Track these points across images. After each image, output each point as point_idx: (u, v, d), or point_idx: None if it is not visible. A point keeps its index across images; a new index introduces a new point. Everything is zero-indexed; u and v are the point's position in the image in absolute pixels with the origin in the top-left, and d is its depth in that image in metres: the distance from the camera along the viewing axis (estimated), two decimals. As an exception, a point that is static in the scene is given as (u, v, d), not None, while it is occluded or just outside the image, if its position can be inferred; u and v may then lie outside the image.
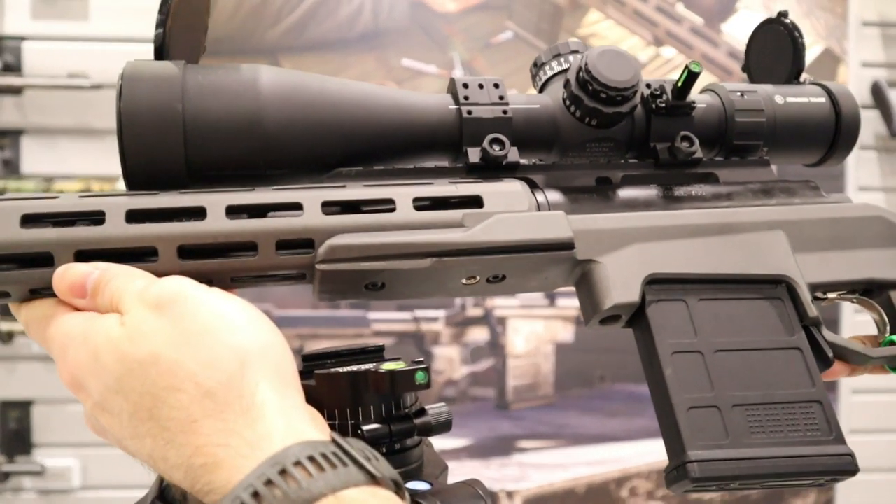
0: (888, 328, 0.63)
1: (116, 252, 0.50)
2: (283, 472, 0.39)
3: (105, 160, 1.87)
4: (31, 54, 1.85)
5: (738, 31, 2.04)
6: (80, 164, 1.87)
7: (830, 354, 0.59)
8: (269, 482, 0.38)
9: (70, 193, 0.51)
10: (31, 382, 1.87)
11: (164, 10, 0.53)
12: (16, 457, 1.85)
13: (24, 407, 1.86)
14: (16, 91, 1.82)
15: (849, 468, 0.53)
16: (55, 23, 1.86)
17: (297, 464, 0.39)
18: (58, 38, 1.86)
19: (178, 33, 0.54)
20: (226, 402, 0.42)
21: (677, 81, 0.61)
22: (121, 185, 1.85)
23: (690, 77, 0.60)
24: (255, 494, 0.38)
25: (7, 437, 1.85)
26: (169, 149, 0.52)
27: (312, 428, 0.43)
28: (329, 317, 1.93)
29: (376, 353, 0.58)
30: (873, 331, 0.66)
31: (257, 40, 1.90)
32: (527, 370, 2.01)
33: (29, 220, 0.50)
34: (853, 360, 0.61)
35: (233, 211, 0.51)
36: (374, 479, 0.40)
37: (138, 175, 0.53)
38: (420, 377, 0.50)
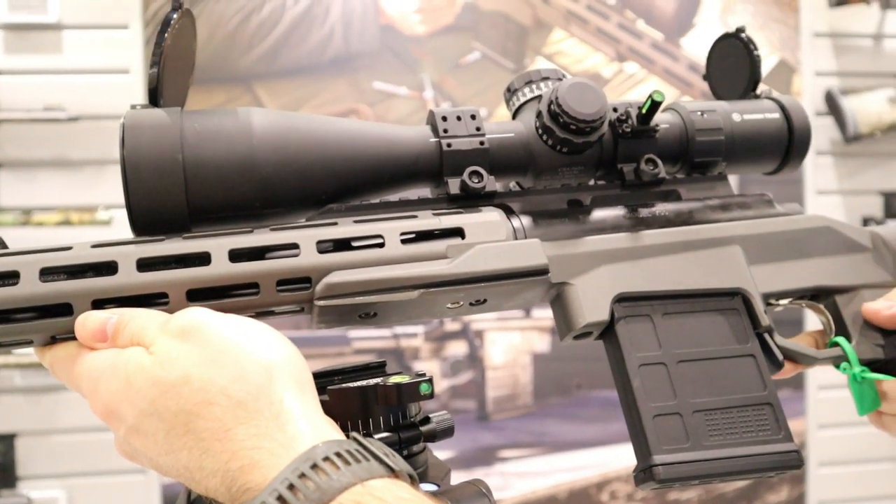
0: (833, 330, 0.68)
1: (130, 298, 0.53)
2: (314, 467, 0.43)
3: (83, 191, 1.89)
4: (7, 88, 1.87)
5: (696, 45, 2.12)
6: (59, 195, 1.89)
7: (781, 358, 0.64)
8: (302, 475, 0.43)
9: (81, 244, 0.54)
10: (13, 415, 1.87)
11: (157, 51, 0.56)
12: (1, 491, 1.85)
13: (7, 440, 1.86)
14: (-9, 125, 1.84)
15: (794, 463, 0.59)
16: (29, 56, 1.89)
17: (326, 459, 0.43)
18: (32, 72, 1.89)
19: (170, 74, 0.57)
20: (256, 409, 0.46)
21: (641, 108, 0.65)
22: (100, 215, 1.85)
23: (653, 106, 0.64)
24: (291, 487, 0.43)
25: (-8, 470, 1.85)
26: (171, 196, 0.55)
27: (333, 430, 0.47)
28: (310, 337, 1.95)
29: (379, 369, 0.62)
30: None
31: (231, 67, 1.93)
32: (505, 381, 2.05)
33: (47, 273, 0.53)
34: (802, 361, 0.67)
35: (235, 254, 0.55)
36: (393, 472, 0.45)
37: (143, 219, 0.56)
38: (424, 388, 0.55)
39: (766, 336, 0.64)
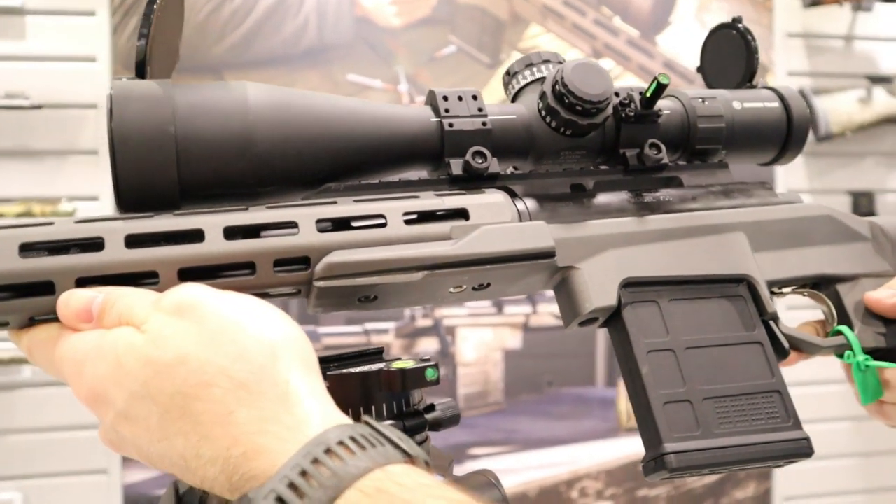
0: (835, 319, 0.68)
1: (117, 276, 0.50)
2: (328, 452, 0.40)
3: (46, 182, 1.83)
4: (-33, 74, 1.80)
5: (671, 43, 2.13)
6: (20, 186, 1.82)
7: (787, 346, 0.64)
8: (315, 461, 0.39)
9: (65, 219, 0.51)
10: (-32, 414, 1.82)
11: (146, 23, 0.53)
12: (-44, 490, 1.79)
13: (-38, 439, 1.81)
14: (-50, 112, 1.78)
15: (805, 451, 0.59)
16: (-9, 41, 1.83)
17: (341, 443, 0.40)
18: (-6, 58, 1.83)
19: (158, 49, 0.55)
20: (260, 391, 0.43)
21: (646, 91, 0.64)
22: (63, 207, 1.79)
23: (659, 88, 0.63)
24: (303, 473, 0.39)
25: (-54, 470, 1.79)
26: (161, 170, 0.52)
27: (341, 413, 0.44)
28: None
29: (376, 355, 0.60)
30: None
31: (202, 57, 1.89)
32: (477, 378, 2.04)
33: (27, 249, 0.49)
34: (806, 349, 0.67)
35: (230, 232, 0.52)
36: (409, 458, 0.42)
37: (131, 195, 0.53)
38: (430, 374, 0.53)
39: (772, 323, 0.63)
